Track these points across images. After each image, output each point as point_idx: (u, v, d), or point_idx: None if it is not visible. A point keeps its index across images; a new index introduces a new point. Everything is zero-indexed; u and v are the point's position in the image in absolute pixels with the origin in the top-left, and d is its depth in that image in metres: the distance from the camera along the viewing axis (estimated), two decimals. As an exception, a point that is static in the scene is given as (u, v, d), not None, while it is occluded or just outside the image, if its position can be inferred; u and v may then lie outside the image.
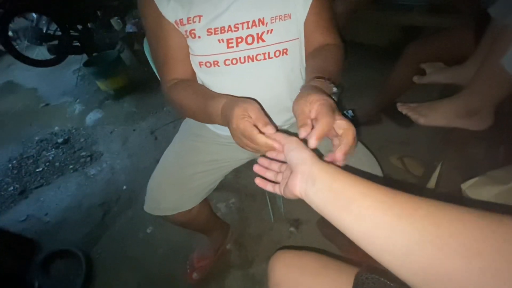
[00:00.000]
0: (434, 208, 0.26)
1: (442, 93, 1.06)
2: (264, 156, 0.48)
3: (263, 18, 0.60)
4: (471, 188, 0.53)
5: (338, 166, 0.35)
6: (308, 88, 0.48)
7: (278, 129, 0.44)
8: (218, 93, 0.59)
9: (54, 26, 2.38)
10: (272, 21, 0.60)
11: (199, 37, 0.61)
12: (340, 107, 0.46)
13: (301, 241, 1.14)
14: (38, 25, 2.43)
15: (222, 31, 0.60)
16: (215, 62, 0.63)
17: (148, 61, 0.85)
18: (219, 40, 0.61)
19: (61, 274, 1.22)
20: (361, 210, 0.29)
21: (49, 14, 2.28)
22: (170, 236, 1.23)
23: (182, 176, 0.73)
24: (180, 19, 0.61)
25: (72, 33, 2.41)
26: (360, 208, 0.29)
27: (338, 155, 0.41)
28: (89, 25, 2.47)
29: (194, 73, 0.70)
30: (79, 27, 2.42)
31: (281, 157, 0.46)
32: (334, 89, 0.51)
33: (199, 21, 0.60)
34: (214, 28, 0.60)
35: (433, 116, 0.73)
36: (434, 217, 0.25)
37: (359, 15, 1.46)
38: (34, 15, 2.52)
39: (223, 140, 0.77)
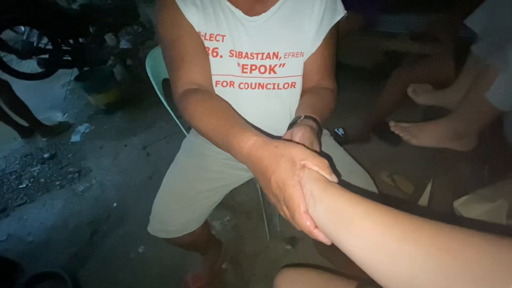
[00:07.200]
0: (438, 230, 0.25)
1: (426, 113, 1.13)
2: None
3: (278, 52, 0.63)
4: (462, 205, 0.57)
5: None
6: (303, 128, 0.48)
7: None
8: (244, 123, 0.47)
9: (45, 40, 2.35)
10: (286, 56, 0.63)
11: (221, 56, 0.63)
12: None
13: (297, 259, 1.14)
14: (28, 38, 2.40)
15: (240, 56, 0.63)
16: (231, 83, 0.65)
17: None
18: (237, 64, 0.63)
19: (44, 299, 1.15)
20: (361, 231, 0.28)
21: (41, 28, 2.27)
22: (163, 256, 1.19)
23: (188, 195, 0.74)
24: (204, 33, 0.61)
25: (64, 47, 2.38)
26: (360, 228, 0.28)
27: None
28: (81, 40, 2.46)
29: (211, 82, 0.64)
30: (71, 41, 2.41)
31: None
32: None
33: (222, 41, 0.62)
34: (236, 51, 0.63)
35: (423, 137, 0.79)
36: (439, 240, 0.24)
37: (349, 39, 1.57)
38: (23, 28, 2.49)
39: (226, 160, 0.79)
